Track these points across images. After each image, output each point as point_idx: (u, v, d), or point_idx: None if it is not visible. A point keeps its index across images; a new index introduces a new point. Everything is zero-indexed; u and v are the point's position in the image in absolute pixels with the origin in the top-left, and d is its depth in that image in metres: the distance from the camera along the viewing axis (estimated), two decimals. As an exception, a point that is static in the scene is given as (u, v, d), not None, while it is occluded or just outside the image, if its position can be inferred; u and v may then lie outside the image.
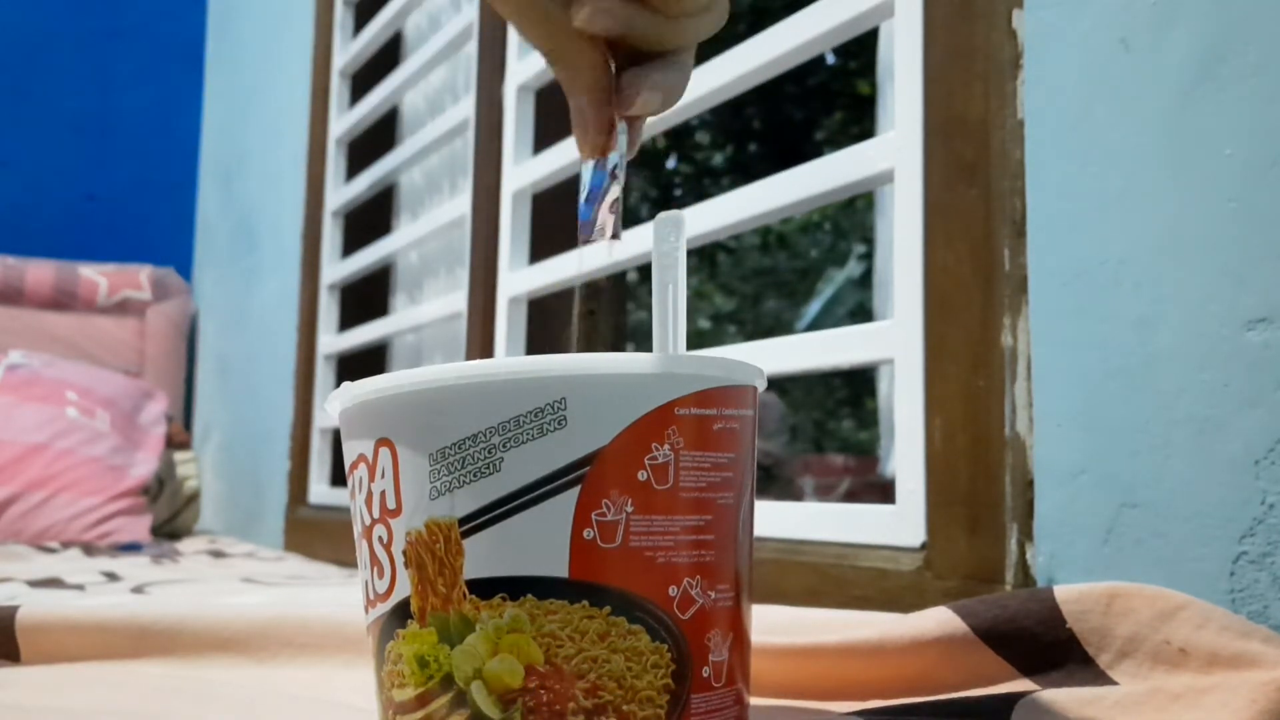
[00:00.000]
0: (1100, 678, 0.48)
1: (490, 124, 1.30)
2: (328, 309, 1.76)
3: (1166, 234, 0.57)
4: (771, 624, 0.56)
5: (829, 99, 6.63)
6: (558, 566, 0.37)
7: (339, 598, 0.81)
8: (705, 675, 0.39)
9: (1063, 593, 0.50)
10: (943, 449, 0.68)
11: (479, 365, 0.38)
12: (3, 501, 1.69)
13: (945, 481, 0.68)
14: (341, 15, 1.81)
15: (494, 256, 1.27)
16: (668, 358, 0.39)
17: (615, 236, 0.41)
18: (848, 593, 0.73)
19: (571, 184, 1.23)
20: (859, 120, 6.18)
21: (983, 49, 0.67)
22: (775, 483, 3.61)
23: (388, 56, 1.76)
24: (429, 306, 1.44)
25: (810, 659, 0.53)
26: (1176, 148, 0.56)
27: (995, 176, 0.66)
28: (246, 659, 0.65)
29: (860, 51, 5.37)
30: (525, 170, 1.22)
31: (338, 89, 1.80)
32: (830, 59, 6.34)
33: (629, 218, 1.71)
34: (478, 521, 0.38)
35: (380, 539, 0.40)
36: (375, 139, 1.76)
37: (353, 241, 1.76)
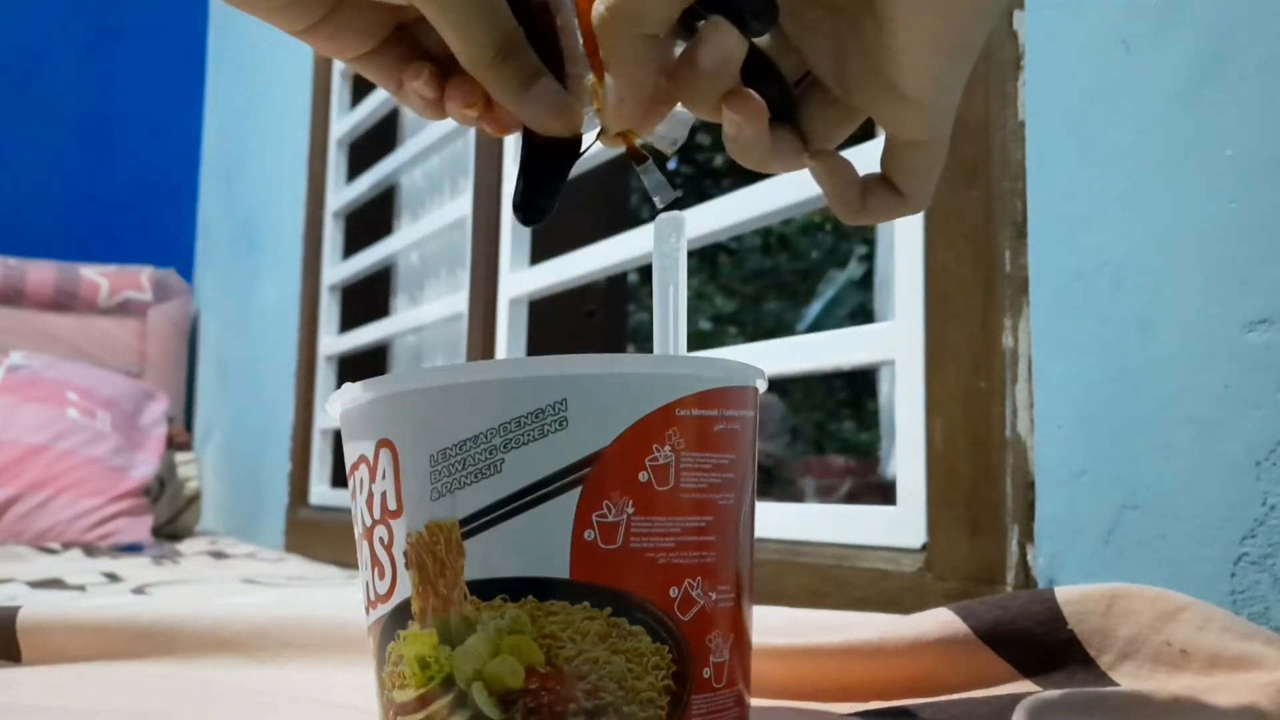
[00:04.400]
0: (1101, 679, 0.48)
1: (491, 125, 1.30)
2: (328, 310, 1.76)
3: (1167, 235, 0.56)
4: (772, 625, 0.56)
5: (830, 100, 6.59)
6: (559, 568, 0.37)
7: (339, 599, 0.81)
8: (706, 676, 0.39)
9: (1064, 594, 0.50)
10: (943, 450, 0.68)
11: (480, 366, 0.38)
12: (4, 502, 1.69)
13: (946, 482, 0.68)
14: (342, 16, 1.81)
15: (495, 257, 1.27)
16: (669, 359, 0.39)
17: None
18: (848, 594, 0.73)
19: (571, 185, 1.23)
20: (860, 121, 6.15)
21: (984, 50, 0.67)
22: (776, 484, 3.61)
23: (389, 57, 1.76)
24: (430, 307, 1.44)
25: (811, 660, 0.53)
26: (1177, 149, 0.56)
27: (996, 177, 0.66)
28: (247, 659, 0.65)
29: (861, 52, 5.34)
30: (526, 171, 1.22)
31: (339, 90, 1.80)
32: (831, 60, 6.31)
33: (630, 220, 1.71)
34: (479, 522, 0.37)
35: (381, 540, 0.40)
36: (376, 140, 1.76)
37: (354, 242, 1.76)
